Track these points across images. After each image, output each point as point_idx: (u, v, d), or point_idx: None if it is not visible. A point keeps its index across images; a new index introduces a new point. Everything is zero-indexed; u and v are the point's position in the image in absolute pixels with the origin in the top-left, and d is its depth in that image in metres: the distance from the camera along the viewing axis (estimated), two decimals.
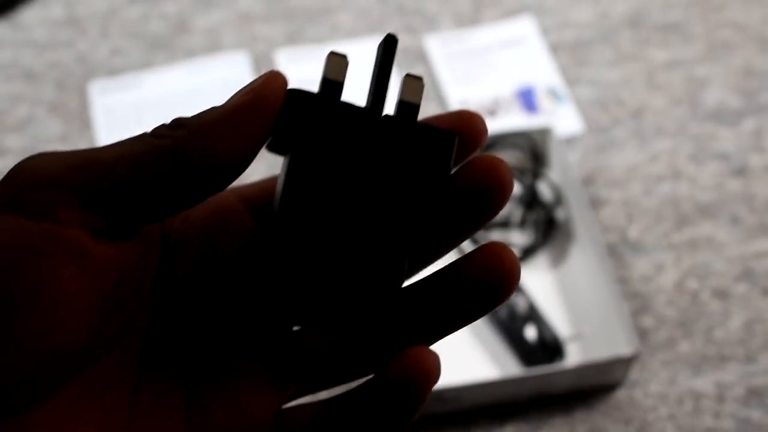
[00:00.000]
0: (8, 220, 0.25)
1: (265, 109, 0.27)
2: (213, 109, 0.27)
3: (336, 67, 0.29)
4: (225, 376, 0.28)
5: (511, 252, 0.27)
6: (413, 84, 0.29)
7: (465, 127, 0.28)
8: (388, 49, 0.29)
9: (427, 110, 0.87)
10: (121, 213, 0.26)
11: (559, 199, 0.77)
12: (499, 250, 0.27)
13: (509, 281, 0.27)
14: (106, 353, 0.27)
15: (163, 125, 0.27)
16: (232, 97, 0.27)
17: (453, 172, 0.27)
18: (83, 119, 0.87)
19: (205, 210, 0.30)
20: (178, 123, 0.26)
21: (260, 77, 0.28)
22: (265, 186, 0.31)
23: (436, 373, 0.26)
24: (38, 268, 0.24)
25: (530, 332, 0.70)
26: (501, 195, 0.27)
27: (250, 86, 0.27)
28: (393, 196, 0.27)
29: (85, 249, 0.25)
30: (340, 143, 0.27)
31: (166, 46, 0.92)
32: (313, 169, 0.27)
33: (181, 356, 0.28)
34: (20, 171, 0.26)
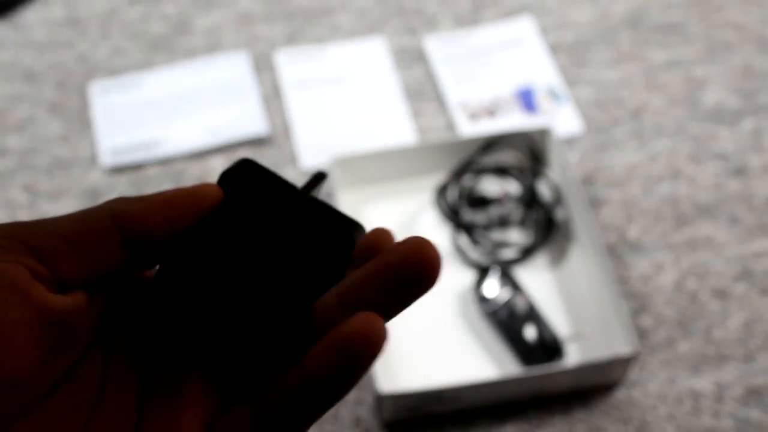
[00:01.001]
0: None
1: (197, 206, 0.30)
2: (158, 196, 0.30)
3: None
4: (167, 394, 0.29)
5: (432, 245, 0.29)
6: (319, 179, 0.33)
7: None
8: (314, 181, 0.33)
9: (427, 109, 0.87)
10: (62, 266, 0.28)
11: (558, 199, 0.77)
12: (420, 242, 0.29)
13: (431, 273, 0.28)
14: (61, 384, 0.28)
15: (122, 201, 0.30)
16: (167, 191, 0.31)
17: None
18: (83, 119, 0.87)
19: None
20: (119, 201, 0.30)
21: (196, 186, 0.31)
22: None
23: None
24: None
25: (530, 332, 0.70)
26: (428, 279, 0.28)
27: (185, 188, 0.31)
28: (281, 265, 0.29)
29: (30, 286, 0.27)
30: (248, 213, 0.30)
31: (167, 47, 0.92)
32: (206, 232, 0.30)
33: (133, 377, 0.30)
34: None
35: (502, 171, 0.79)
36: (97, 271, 0.29)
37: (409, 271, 0.28)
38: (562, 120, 0.86)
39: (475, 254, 0.76)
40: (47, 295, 0.27)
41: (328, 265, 0.30)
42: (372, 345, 0.26)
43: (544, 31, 0.93)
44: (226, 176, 0.31)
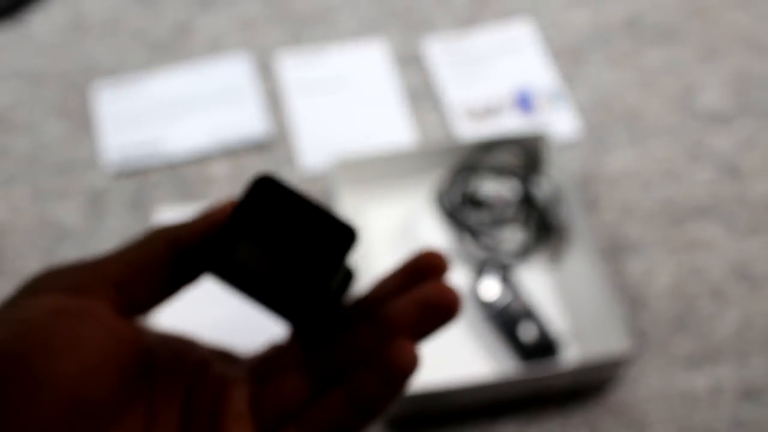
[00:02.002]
0: (48, 295, 0.29)
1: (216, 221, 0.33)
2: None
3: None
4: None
5: (452, 291, 0.33)
6: None
7: (425, 269, 0.35)
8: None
9: (427, 108, 0.88)
10: (139, 294, 0.31)
11: (556, 200, 0.78)
12: (442, 291, 0.33)
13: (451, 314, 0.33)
14: (127, 412, 0.30)
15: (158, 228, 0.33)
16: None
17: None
18: (87, 122, 0.87)
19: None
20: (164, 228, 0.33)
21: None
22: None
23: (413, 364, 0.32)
24: (73, 328, 0.28)
25: (527, 331, 0.70)
26: (447, 316, 0.33)
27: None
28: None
29: (112, 319, 0.29)
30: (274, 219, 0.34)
31: (169, 50, 0.93)
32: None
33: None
34: (53, 271, 0.31)
35: (500, 172, 0.80)
36: (159, 297, 0.32)
37: (438, 313, 0.33)
38: (560, 122, 0.86)
39: (473, 254, 0.77)
40: (131, 331, 0.30)
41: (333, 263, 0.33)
42: (410, 369, 0.31)
43: (542, 33, 0.94)
44: (249, 192, 0.34)
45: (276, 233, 0.33)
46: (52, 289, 0.29)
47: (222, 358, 0.36)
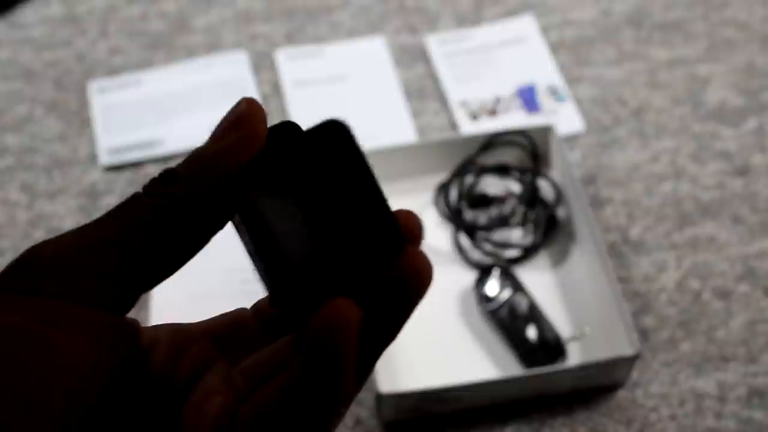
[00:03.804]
0: (15, 305, 0.26)
1: (253, 148, 0.29)
2: (200, 154, 0.29)
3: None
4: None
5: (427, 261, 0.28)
6: None
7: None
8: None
9: (428, 108, 0.87)
10: (131, 281, 0.27)
11: (560, 199, 0.77)
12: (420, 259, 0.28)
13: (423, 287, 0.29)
14: (118, 421, 0.28)
15: (155, 180, 0.28)
16: (216, 135, 0.29)
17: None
18: (82, 118, 0.86)
19: (172, 345, 0.31)
20: (170, 176, 0.28)
21: (239, 107, 0.30)
22: (224, 320, 0.33)
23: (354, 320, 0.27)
24: (54, 340, 0.25)
25: (531, 332, 0.69)
26: (418, 293, 0.29)
27: (233, 119, 0.29)
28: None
29: (98, 324, 0.26)
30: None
31: (166, 45, 0.92)
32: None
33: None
34: (35, 256, 0.27)
35: (503, 170, 0.79)
36: (180, 255, 0.28)
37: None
38: (563, 119, 0.85)
39: (476, 254, 0.76)
40: (116, 334, 0.27)
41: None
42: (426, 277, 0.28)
43: (546, 29, 0.93)
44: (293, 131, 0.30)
45: (317, 197, 0.28)
46: (33, 289, 0.26)
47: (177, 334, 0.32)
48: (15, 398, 0.24)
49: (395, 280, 0.28)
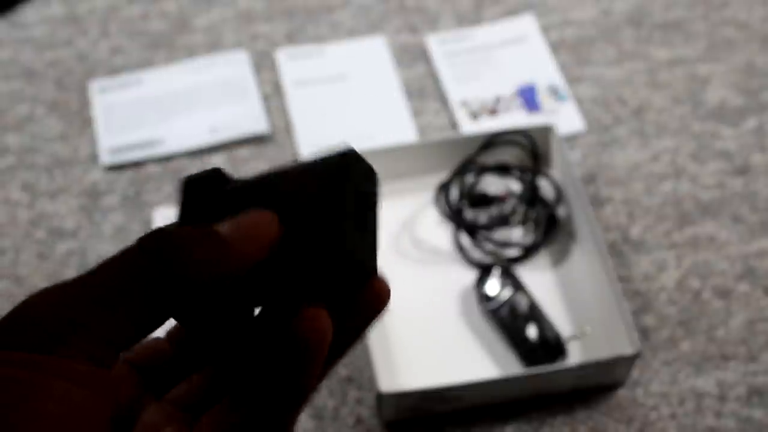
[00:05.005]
0: (19, 356, 0.26)
1: (257, 251, 0.30)
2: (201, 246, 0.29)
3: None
4: None
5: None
6: None
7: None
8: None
9: (428, 108, 0.87)
10: (122, 335, 0.28)
11: (560, 198, 0.77)
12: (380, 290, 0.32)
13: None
14: None
15: (151, 238, 0.29)
16: (227, 234, 0.30)
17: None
18: (83, 118, 0.86)
19: None
20: (163, 238, 0.29)
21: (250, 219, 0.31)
22: (145, 350, 0.34)
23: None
24: (49, 397, 0.26)
25: (532, 331, 0.69)
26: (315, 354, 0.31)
27: (248, 232, 0.30)
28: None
29: (91, 376, 0.27)
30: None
31: (167, 45, 0.92)
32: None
33: None
34: (30, 308, 0.27)
35: (503, 170, 0.79)
36: (149, 326, 0.29)
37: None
38: (563, 118, 0.85)
39: (476, 253, 0.76)
40: (108, 383, 0.27)
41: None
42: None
43: (546, 29, 0.93)
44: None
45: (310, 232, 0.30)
46: (26, 344, 0.26)
47: None
48: None
49: (361, 301, 0.32)
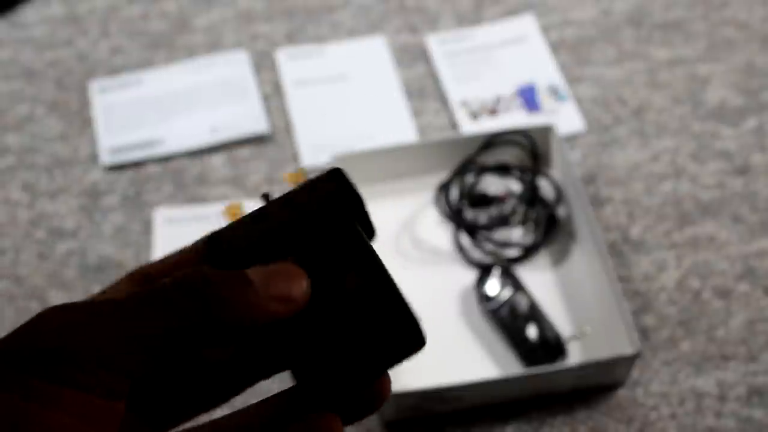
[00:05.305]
0: (36, 383, 0.25)
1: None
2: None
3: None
4: None
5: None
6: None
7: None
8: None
9: (428, 108, 0.87)
10: (144, 370, 0.27)
11: (560, 198, 0.77)
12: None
13: None
14: None
15: (190, 275, 0.28)
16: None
17: None
18: (83, 118, 0.86)
19: None
20: (201, 278, 0.28)
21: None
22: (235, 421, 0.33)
23: None
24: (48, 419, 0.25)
25: (532, 331, 0.69)
26: None
27: (285, 295, 0.29)
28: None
29: (104, 410, 0.26)
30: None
31: (167, 45, 0.92)
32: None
33: None
34: (55, 328, 0.26)
35: (503, 170, 0.79)
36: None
37: None
38: (563, 118, 0.85)
39: (476, 253, 0.76)
40: (113, 415, 0.27)
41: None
42: None
43: (546, 29, 0.93)
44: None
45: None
46: (33, 366, 0.25)
47: None
48: None
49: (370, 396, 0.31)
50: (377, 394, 0.30)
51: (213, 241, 0.30)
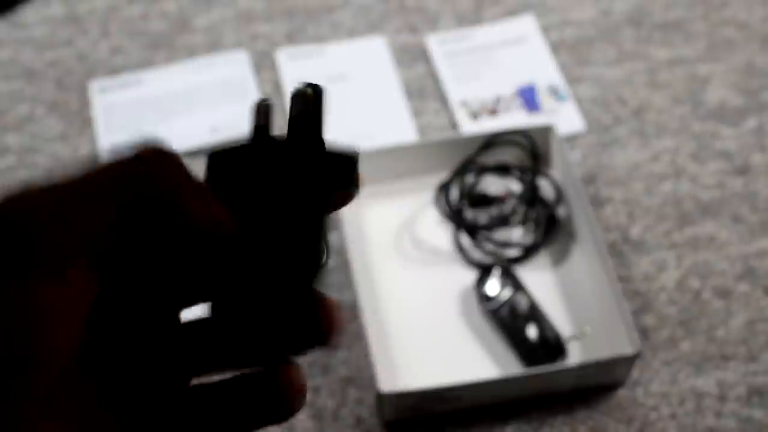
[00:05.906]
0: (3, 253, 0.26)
1: None
2: None
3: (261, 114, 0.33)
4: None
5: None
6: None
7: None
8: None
9: (428, 108, 0.87)
10: (110, 234, 0.28)
11: (560, 198, 0.77)
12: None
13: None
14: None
15: (149, 150, 0.30)
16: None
17: None
18: (83, 118, 0.86)
19: None
20: (160, 153, 0.30)
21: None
22: None
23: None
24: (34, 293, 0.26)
25: (532, 331, 0.69)
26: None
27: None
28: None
29: (79, 273, 0.27)
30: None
31: (167, 45, 0.92)
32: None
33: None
34: (20, 202, 0.27)
35: (503, 170, 0.79)
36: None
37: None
38: (563, 119, 0.85)
39: (476, 253, 0.76)
40: (87, 279, 0.27)
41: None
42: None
43: (546, 29, 0.93)
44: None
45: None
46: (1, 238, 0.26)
47: None
48: None
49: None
50: (326, 321, 0.30)
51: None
